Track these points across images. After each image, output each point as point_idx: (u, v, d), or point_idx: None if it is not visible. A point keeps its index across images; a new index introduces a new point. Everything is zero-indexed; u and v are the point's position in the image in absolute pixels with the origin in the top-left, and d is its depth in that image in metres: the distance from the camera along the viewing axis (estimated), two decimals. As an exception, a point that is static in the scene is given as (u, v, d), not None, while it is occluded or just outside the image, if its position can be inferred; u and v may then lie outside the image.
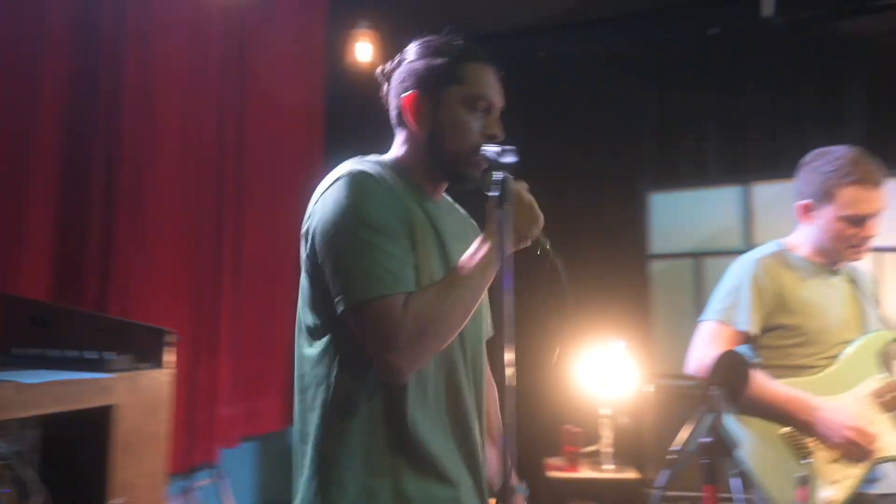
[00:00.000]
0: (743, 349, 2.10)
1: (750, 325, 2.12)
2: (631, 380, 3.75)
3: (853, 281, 2.24)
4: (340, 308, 1.28)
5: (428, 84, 1.42)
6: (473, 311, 1.35)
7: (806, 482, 1.93)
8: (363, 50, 4.03)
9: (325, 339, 1.35)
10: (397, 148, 1.49)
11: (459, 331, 1.34)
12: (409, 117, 1.44)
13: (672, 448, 1.30)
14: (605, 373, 3.75)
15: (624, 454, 3.78)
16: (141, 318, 2.36)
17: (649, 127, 4.35)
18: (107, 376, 1.79)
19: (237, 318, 3.40)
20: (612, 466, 3.71)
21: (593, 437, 3.80)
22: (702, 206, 3.98)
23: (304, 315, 1.40)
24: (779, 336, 2.13)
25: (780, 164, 4.12)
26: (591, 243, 4.26)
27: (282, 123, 3.77)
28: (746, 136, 4.23)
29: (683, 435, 1.32)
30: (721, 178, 4.14)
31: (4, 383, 1.56)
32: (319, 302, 1.35)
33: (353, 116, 4.19)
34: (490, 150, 1.37)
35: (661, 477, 1.24)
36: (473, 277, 1.32)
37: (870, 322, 2.19)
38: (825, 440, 2.03)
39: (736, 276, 2.22)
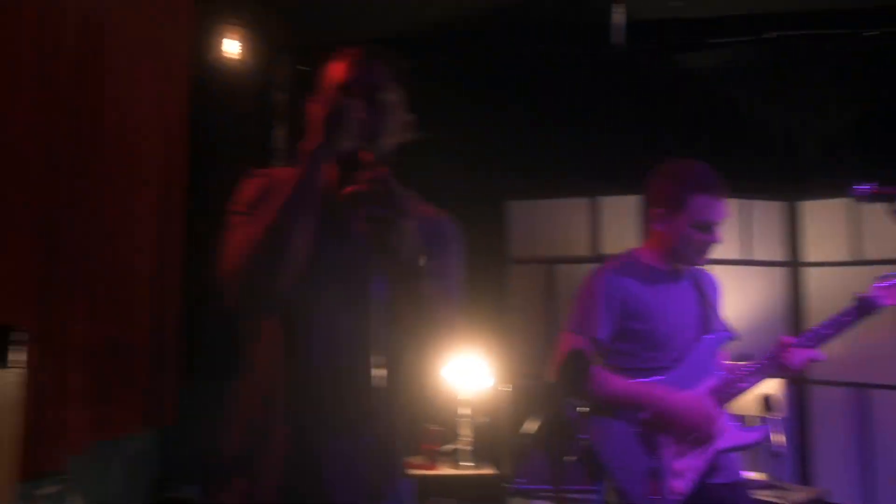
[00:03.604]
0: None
1: (601, 332, 2.24)
2: (489, 380, 3.91)
3: (697, 286, 2.40)
4: None
5: None
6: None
7: (656, 475, 2.10)
8: (231, 45, 3.94)
9: None
10: None
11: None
12: None
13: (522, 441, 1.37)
14: (464, 374, 3.90)
15: (481, 452, 3.93)
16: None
17: (510, 139, 4.55)
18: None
19: (92, 319, 3.24)
20: (470, 463, 3.86)
21: (452, 436, 3.94)
22: (555, 215, 4.20)
23: None
24: (629, 341, 2.26)
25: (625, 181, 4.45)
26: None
27: (143, 128, 3.59)
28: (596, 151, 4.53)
29: (529, 427, 1.39)
30: (572, 189, 4.39)
31: None
32: None
33: (220, 120, 4.04)
34: None
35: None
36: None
37: (711, 324, 2.36)
38: (674, 426, 2.17)
39: (588, 286, 2.32)
